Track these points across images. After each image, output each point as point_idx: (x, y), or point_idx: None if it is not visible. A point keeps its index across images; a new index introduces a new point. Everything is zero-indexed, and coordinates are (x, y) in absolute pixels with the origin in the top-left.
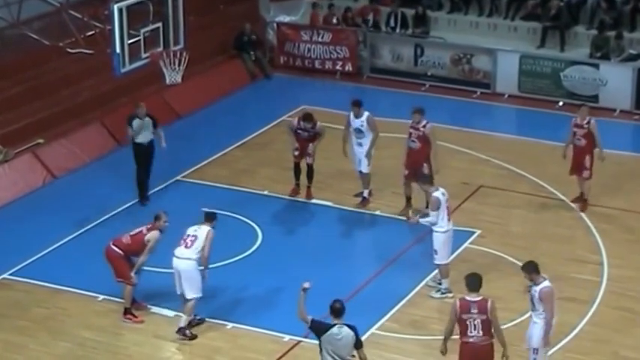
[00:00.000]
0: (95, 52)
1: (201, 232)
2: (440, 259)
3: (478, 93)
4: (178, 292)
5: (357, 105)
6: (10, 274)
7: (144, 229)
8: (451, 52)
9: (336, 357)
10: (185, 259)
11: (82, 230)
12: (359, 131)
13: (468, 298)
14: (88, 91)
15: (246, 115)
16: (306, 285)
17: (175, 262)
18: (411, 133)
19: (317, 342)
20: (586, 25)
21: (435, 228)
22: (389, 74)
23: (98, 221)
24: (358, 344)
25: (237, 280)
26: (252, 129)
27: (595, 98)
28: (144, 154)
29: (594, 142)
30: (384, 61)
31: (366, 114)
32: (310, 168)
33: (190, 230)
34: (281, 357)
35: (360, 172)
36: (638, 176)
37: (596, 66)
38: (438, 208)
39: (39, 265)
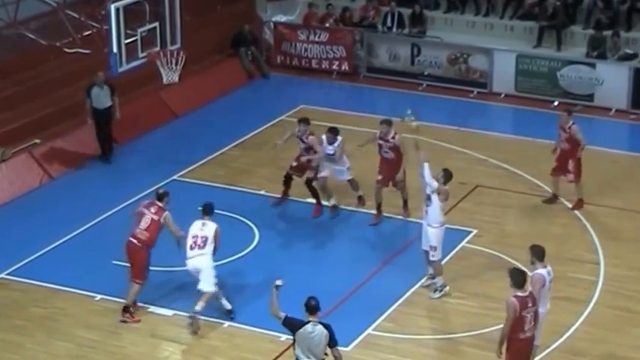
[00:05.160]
0: (92, 51)
1: (209, 230)
2: (437, 255)
3: (475, 92)
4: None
5: (335, 133)
6: (8, 274)
7: (151, 216)
8: (448, 51)
9: (310, 354)
10: (202, 256)
11: (80, 230)
12: (330, 156)
13: (520, 294)
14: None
15: (243, 115)
16: (279, 282)
17: (192, 262)
18: (381, 145)
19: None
20: (582, 25)
21: (433, 223)
22: (386, 74)
23: (95, 221)
24: (332, 343)
25: (234, 279)
26: (250, 128)
27: (591, 97)
28: (102, 119)
29: (578, 147)
30: (381, 60)
31: (339, 138)
32: (308, 183)
33: (196, 229)
34: (278, 357)
35: (347, 180)
36: (634, 175)
37: (593, 65)
38: (445, 200)
39: (36, 264)
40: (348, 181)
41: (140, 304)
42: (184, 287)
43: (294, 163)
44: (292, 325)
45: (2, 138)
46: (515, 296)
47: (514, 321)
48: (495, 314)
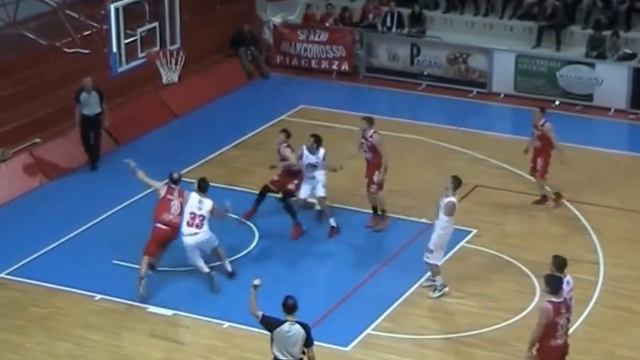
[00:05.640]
0: (92, 51)
1: (206, 209)
2: (433, 259)
3: (474, 92)
4: (194, 264)
5: (316, 141)
6: (7, 274)
7: (179, 200)
8: (447, 51)
9: (287, 353)
10: (200, 234)
11: (80, 230)
12: (313, 166)
13: (555, 299)
14: None
15: (242, 115)
16: (257, 282)
17: (191, 239)
18: (362, 144)
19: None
20: (582, 25)
21: (437, 229)
22: (385, 74)
23: (95, 221)
24: (308, 343)
25: (234, 279)
26: (249, 128)
27: (590, 97)
28: (90, 126)
29: (550, 145)
30: (380, 60)
31: (322, 150)
32: (284, 195)
33: (193, 206)
34: None
35: (318, 197)
36: (633, 175)
37: (592, 65)
38: (452, 214)
39: (36, 264)
40: (319, 198)
41: (140, 304)
42: (184, 287)
43: (276, 178)
44: (269, 324)
45: (2, 138)
46: (550, 302)
47: (546, 327)
48: (495, 314)
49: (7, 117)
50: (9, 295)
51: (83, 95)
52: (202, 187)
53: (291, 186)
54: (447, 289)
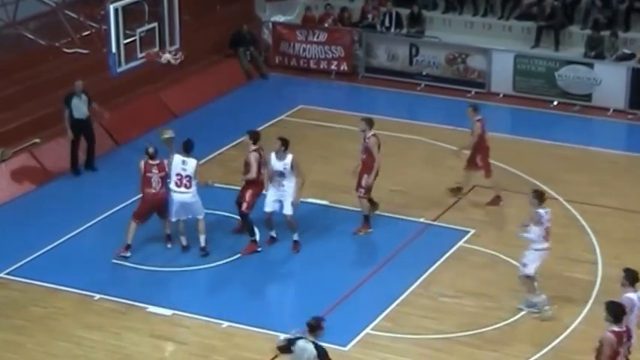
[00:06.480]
0: (91, 51)
1: (191, 169)
2: (528, 270)
3: (473, 92)
4: (176, 219)
5: (284, 144)
6: (7, 273)
7: (159, 175)
8: (446, 51)
9: None
10: (188, 193)
11: (80, 229)
12: (281, 174)
13: (617, 329)
14: None
15: (242, 115)
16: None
17: (179, 196)
18: (361, 144)
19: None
20: (580, 25)
21: (532, 247)
22: (384, 74)
23: (95, 220)
24: None
25: (233, 279)
26: (248, 128)
27: (589, 97)
28: (84, 129)
29: (483, 142)
30: (379, 60)
31: (290, 156)
32: (242, 217)
33: (178, 168)
34: (276, 356)
35: (285, 215)
36: (631, 175)
37: (591, 65)
38: (535, 224)
39: (36, 264)
40: (287, 217)
41: (140, 304)
42: (184, 287)
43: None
44: (289, 341)
45: (2, 138)
46: (612, 331)
47: (610, 357)
48: (493, 314)
49: (7, 117)
50: (9, 295)
51: (74, 100)
52: (187, 148)
53: (243, 204)
54: (547, 307)
